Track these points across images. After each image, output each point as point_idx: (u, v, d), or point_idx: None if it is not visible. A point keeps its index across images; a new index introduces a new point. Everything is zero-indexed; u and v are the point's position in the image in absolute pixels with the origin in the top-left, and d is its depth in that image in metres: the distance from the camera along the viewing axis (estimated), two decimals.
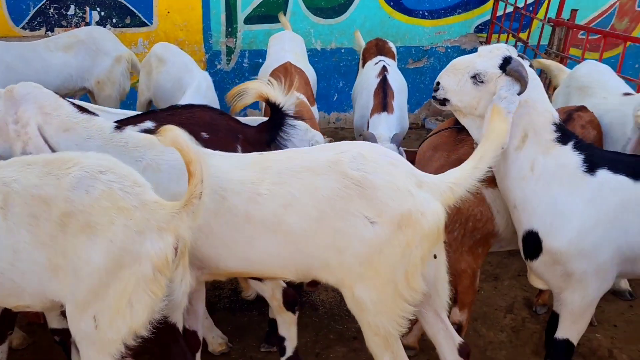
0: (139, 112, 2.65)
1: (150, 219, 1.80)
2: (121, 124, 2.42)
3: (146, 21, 5.38)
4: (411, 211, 1.91)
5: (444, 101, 2.29)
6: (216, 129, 2.47)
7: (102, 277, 1.77)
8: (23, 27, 5.13)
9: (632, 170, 2.20)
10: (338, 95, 5.96)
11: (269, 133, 2.55)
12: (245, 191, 1.99)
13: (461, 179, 2.02)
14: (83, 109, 2.32)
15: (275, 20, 5.58)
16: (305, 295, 3.27)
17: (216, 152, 2.17)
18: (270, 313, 2.88)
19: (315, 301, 3.24)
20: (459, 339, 2.28)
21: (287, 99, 2.52)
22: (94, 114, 2.32)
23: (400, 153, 3.34)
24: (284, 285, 2.46)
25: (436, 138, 2.80)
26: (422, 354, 2.86)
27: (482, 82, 2.20)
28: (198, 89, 3.49)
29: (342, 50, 5.84)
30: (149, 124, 2.44)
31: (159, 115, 2.54)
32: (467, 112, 2.24)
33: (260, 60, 5.70)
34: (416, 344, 2.83)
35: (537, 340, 2.95)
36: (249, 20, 5.62)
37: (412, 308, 2.00)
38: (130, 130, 2.27)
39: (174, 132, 1.77)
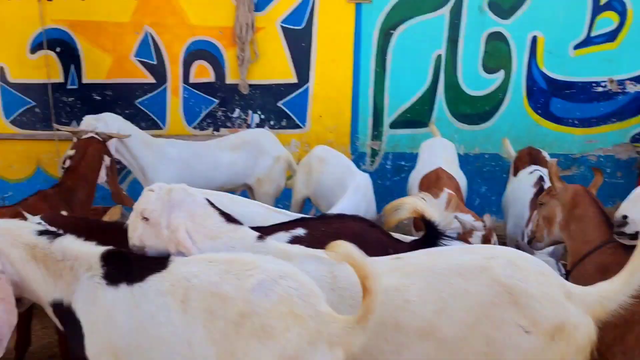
0: (294, 218, 2.77)
1: (323, 331, 1.77)
2: (274, 230, 2.57)
3: (300, 124, 5.82)
4: (564, 323, 1.88)
5: (636, 234, 2.18)
6: (365, 241, 2.40)
7: None
8: (194, 127, 5.76)
9: None
10: (480, 200, 5.89)
11: None
12: (391, 299, 1.96)
13: (612, 293, 1.95)
14: (230, 219, 2.40)
15: (419, 125, 5.78)
16: None
17: None
18: None
19: None
20: None
21: (444, 216, 2.53)
22: (239, 223, 2.40)
23: (559, 268, 3.19)
24: None
25: (600, 256, 2.59)
26: None
27: None
28: (358, 189, 3.65)
29: (486, 156, 5.84)
30: (300, 231, 2.57)
31: (310, 223, 2.64)
32: None
33: (403, 163, 5.89)
34: None
35: None
36: (394, 124, 5.85)
37: None
38: (271, 241, 2.34)
39: (346, 247, 1.77)
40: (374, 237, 2.58)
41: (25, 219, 2.75)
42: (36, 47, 5.61)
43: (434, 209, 2.57)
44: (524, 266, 1.98)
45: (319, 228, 2.57)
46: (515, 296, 1.89)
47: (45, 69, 5.61)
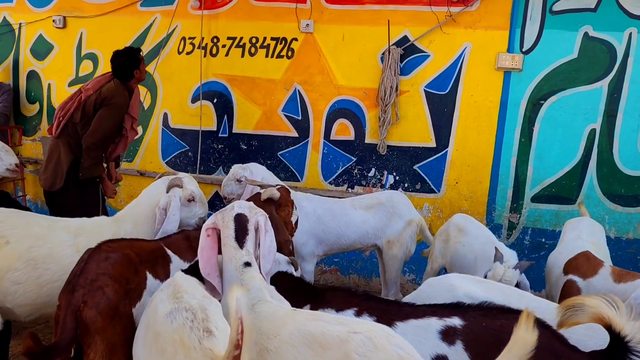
0: (449, 302, 2.50)
1: None
2: (425, 312, 2.40)
3: (435, 189, 5.70)
4: None
5: None
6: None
7: None
8: (330, 182, 5.89)
9: None
10: None
11: None
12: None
13: None
14: (240, 240, 2.51)
15: (565, 201, 5.39)
16: None
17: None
18: None
19: None
20: None
21: (635, 329, 2.14)
22: (242, 247, 2.50)
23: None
24: None
25: None
26: None
27: None
28: None
29: None
30: (456, 322, 2.34)
31: (469, 313, 2.38)
32: None
33: (543, 240, 5.50)
34: None
35: None
36: (536, 198, 5.52)
37: None
38: (254, 271, 2.40)
39: (233, 298, 1.87)
40: (544, 343, 2.18)
41: (166, 253, 2.97)
42: (196, 97, 6.14)
43: (623, 317, 2.17)
44: (381, 346, 1.82)
45: (480, 322, 2.32)
46: None
47: (202, 117, 6.11)
